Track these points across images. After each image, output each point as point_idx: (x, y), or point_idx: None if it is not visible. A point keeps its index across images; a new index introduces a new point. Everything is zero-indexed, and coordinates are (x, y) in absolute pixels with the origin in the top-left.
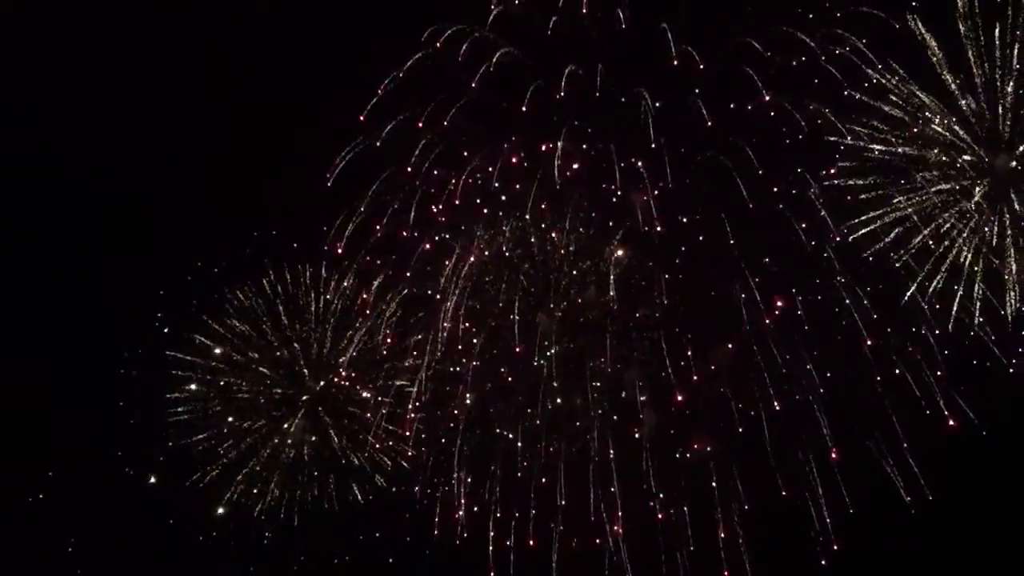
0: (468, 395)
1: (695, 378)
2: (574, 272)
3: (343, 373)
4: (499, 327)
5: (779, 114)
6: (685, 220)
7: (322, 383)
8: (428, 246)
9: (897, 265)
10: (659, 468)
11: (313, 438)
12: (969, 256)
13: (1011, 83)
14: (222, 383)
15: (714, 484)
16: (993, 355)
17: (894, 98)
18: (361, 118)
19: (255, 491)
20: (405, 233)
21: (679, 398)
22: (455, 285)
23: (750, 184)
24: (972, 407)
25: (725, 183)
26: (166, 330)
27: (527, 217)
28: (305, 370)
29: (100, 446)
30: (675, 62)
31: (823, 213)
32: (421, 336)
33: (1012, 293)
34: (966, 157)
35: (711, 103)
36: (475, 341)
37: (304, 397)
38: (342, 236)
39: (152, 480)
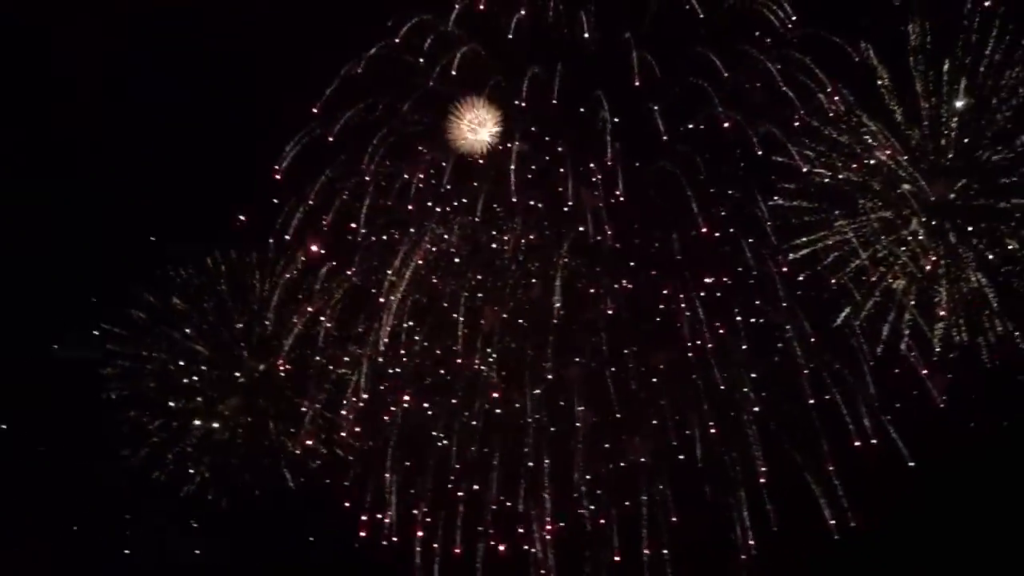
0: (405, 392)
1: (633, 387)
2: (522, 280)
3: (283, 358)
4: (442, 324)
5: (732, 131)
6: (636, 237)
7: (262, 366)
8: (374, 239)
9: (833, 288)
10: (592, 475)
11: (248, 419)
12: (903, 284)
13: (956, 119)
14: (158, 360)
15: (644, 497)
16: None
17: (842, 124)
18: (315, 109)
19: (184, 472)
20: (354, 225)
21: (616, 407)
22: (402, 279)
23: (701, 199)
24: (901, 436)
25: (677, 196)
26: (101, 304)
27: (476, 219)
28: (245, 352)
29: (27, 423)
30: (635, 71)
31: (769, 233)
32: (363, 329)
33: (941, 325)
34: (907, 186)
35: (668, 114)
36: (416, 338)
37: (241, 379)
38: (290, 224)
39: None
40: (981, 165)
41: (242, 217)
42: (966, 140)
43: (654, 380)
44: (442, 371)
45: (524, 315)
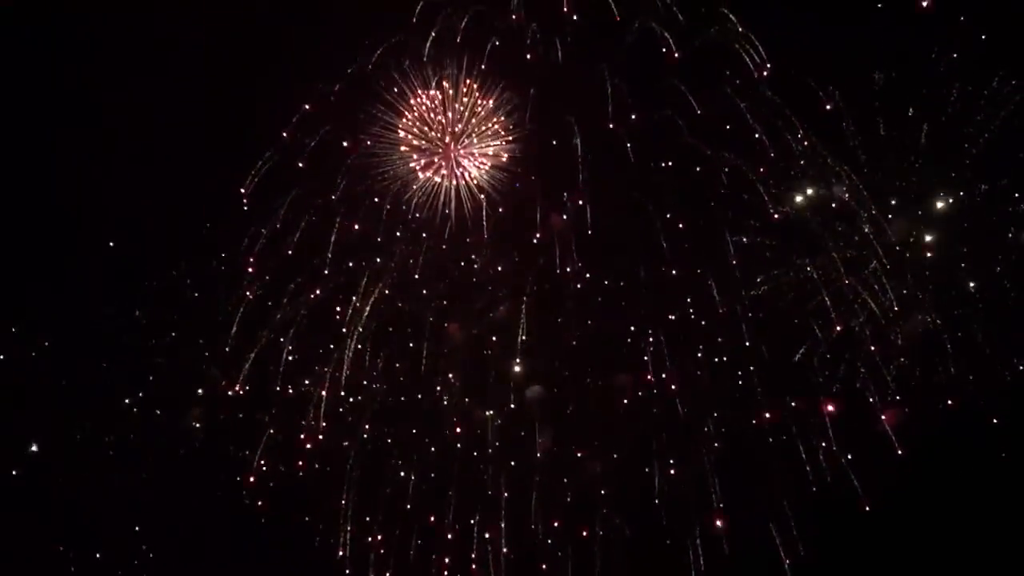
0: (365, 420)
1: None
2: (488, 309)
3: (239, 382)
4: (405, 349)
5: (701, 165)
6: (603, 267)
7: (223, 382)
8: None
9: (794, 324)
10: (548, 507)
11: (206, 435)
12: (861, 322)
13: (919, 163)
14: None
15: (600, 532)
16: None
17: (805, 163)
18: (284, 133)
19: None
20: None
21: (576, 437)
22: (366, 304)
23: (669, 233)
24: (858, 477)
25: (645, 228)
26: (63, 315)
27: (443, 246)
28: (204, 366)
29: None
30: (609, 100)
31: (734, 268)
32: (325, 350)
33: (896, 364)
34: (868, 227)
35: (639, 145)
36: (379, 361)
37: (201, 393)
38: (255, 247)
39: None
40: (942, 209)
41: (208, 224)
42: (928, 185)
43: (616, 411)
44: (403, 398)
45: (488, 342)
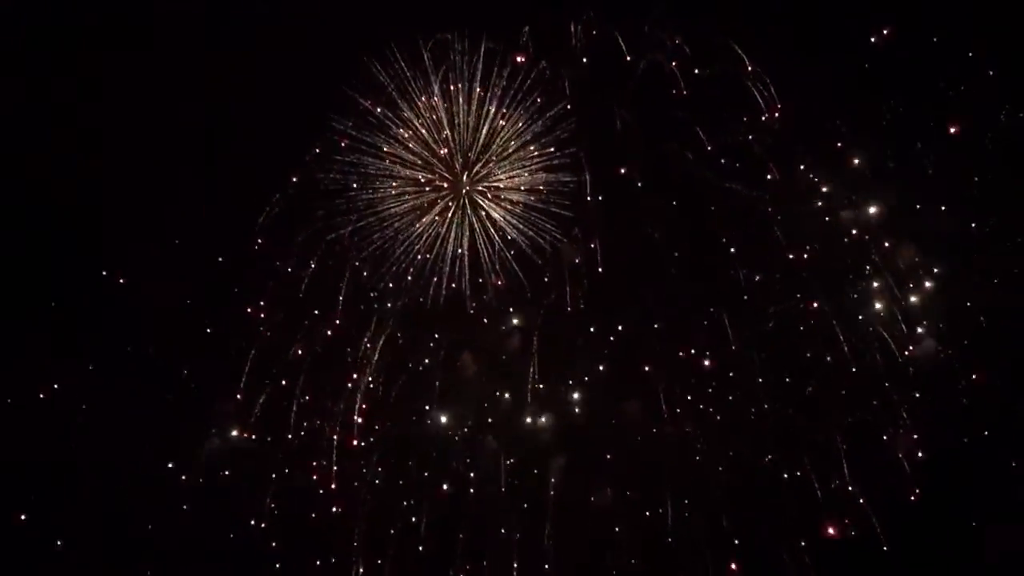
0: (376, 458)
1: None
2: (499, 350)
3: (255, 413)
4: (415, 389)
5: (711, 200)
6: (614, 304)
7: (235, 422)
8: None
9: (807, 357)
10: (560, 547)
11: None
12: (871, 357)
13: (927, 195)
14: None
15: (613, 573)
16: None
17: (815, 196)
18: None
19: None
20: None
21: (589, 481)
22: (377, 343)
23: (680, 268)
24: (877, 516)
25: (656, 264)
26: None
27: (453, 285)
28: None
29: None
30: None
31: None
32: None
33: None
34: (878, 259)
35: (648, 179)
36: (390, 400)
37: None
38: (266, 288)
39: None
40: (952, 240)
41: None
42: (937, 216)
43: (628, 449)
44: (413, 437)
45: (499, 380)
